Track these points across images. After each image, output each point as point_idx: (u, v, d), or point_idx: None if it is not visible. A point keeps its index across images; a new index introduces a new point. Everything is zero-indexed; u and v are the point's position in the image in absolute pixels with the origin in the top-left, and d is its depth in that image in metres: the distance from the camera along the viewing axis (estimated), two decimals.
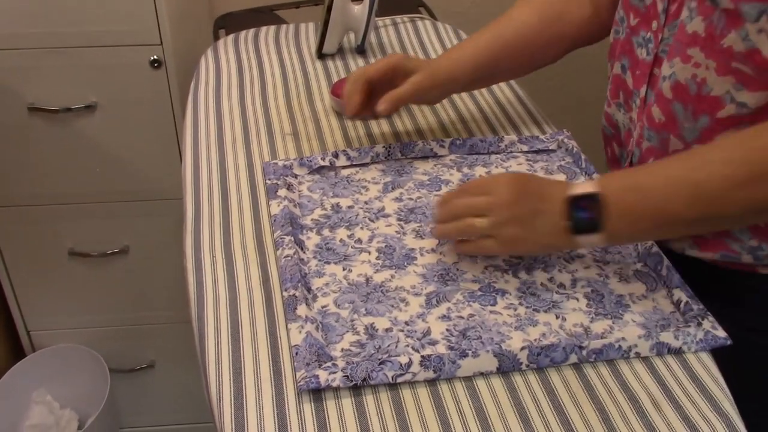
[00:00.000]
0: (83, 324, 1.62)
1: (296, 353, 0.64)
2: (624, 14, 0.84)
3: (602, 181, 0.70)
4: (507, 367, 0.64)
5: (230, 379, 0.63)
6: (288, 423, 0.59)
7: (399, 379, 0.63)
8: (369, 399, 0.62)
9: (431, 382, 0.63)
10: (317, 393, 0.62)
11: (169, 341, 1.66)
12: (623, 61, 0.85)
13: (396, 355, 0.65)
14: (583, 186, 0.70)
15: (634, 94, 0.83)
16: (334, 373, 0.62)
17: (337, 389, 0.62)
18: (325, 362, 0.63)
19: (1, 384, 1.57)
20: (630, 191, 0.68)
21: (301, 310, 0.68)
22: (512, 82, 1.11)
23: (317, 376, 0.62)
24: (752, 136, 0.65)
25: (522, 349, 0.65)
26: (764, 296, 0.79)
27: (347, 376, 0.62)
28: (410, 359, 0.64)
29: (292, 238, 0.77)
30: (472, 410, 0.61)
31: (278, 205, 0.82)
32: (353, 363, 0.63)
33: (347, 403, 0.61)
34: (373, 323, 0.69)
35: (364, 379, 0.62)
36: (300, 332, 0.66)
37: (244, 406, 0.61)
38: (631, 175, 0.72)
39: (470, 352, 0.64)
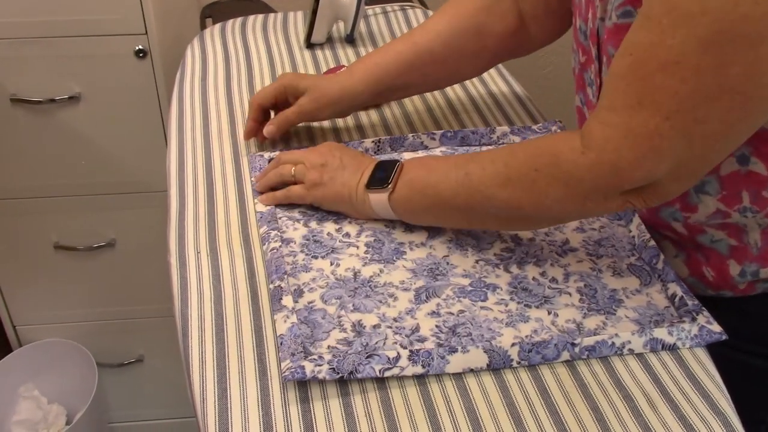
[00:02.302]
0: (70, 318, 1.60)
1: (281, 343, 0.63)
2: (576, 47, 0.80)
3: (412, 157, 0.77)
4: (497, 363, 0.63)
5: (214, 380, 0.61)
6: (273, 425, 0.58)
7: (386, 373, 0.61)
8: (357, 399, 0.60)
9: (421, 382, 0.62)
10: (304, 394, 0.60)
11: (158, 335, 1.64)
12: (580, 95, 0.82)
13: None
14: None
15: None
16: (320, 365, 0.60)
17: (324, 389, 0.60)
18: (311, 355, 0.62)
19: None
20: (421, 165, 0.74)
21: (287, 300, 0.67)
22: (504, 72, 1.09)
23: (303, 367, 0.60)
24: (523, 142, 0.67)
25: (513, 345, 0.63)
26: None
27: (333, 368, 0.60)
28: (398, 353, 0.62)
29: (278, 233, 0.75)
30: (463, 410, 0.59)
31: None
32: (340, 356, 0.61)
33: (335, 404, 0.59)
34: (361, 320, 0.67)
35: (351, 372, 0.60)
36: (285, 322, 0.64)
37: (229, 409, 0.59)
38: (432, 155, 0.81)
39: (460, 347, 0.63)
